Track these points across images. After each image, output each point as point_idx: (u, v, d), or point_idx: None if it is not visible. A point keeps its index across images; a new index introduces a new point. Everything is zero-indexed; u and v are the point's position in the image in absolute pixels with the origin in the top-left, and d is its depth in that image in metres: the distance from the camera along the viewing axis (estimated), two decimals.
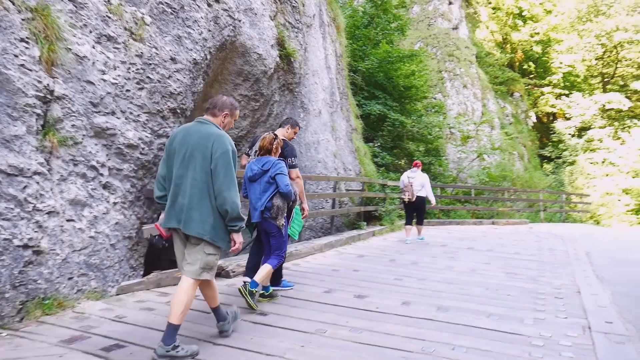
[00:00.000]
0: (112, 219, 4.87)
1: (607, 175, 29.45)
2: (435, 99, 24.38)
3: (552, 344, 4.08)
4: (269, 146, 4.83)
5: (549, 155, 33.72)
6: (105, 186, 4.80)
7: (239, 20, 7.01)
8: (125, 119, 5.00)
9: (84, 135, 4.57)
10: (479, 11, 37.77)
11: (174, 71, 5.61)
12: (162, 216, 3.68)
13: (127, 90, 5.01)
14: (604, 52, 34.47)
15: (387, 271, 7.01)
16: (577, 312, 5.22)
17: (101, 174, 4.76)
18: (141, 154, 5.21)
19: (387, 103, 17.53)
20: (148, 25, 5.31)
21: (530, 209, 21.54)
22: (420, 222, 10.60)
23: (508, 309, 5.19)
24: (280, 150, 5.00)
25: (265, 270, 4.78)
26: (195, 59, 5.95)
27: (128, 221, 5.09)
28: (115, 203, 4.92)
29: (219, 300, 3.84)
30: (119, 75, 4.90)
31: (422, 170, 10.76)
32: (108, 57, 4.81)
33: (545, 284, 6.62)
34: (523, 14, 37.23)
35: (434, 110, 21.86)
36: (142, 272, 5.41)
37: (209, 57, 6.30)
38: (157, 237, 3.69)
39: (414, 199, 10.06)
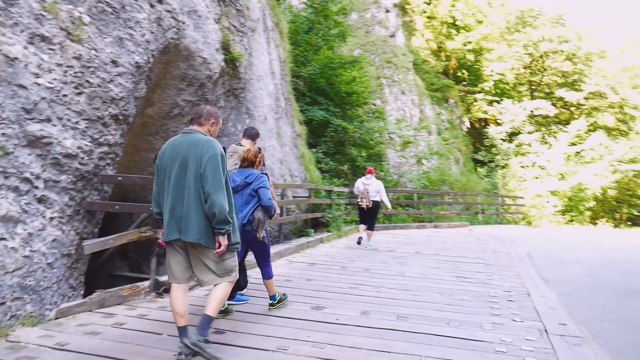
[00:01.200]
0: (48, 235, 4.45)
1: (536, 178, 30.92)
2: (375, 105, 24.62)
3: (514, 350, 4.10)
4: (252, 159, 4.86)
5: (482, 159, 34.89)
6: (40, 200, 4.39)
7: (183, 23, 6.70)
8: (63, 126, 4.60)
9: (15, 144, 4.16)
10: (415, 20, 38.68)
11: (116, 75, 5.25)
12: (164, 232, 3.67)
13: (64, 95, 4.61)
14: (531, 61, 36.27)
15: (340, 279, 6.89)
16: (531, 314, 5.31)
17: (36, 187, 4.34)
18: (80, 164, 4.82)
19: (329, 109, 17.49)
20: (86, 25, 4.93)
21: (468, 211, 22.19)
22: (371, 228, 10.63)
23: (465, 314, 5.20)
24: (262, 163, 5.00)
25: (270, 283, 5.07)
26: (137, 62, 5.60)
27: (66, 237, 4.68)
28: (52, 218, 4.50)
29: (188, 319, 3.60)
30: (54, 79, 4.51)
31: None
32: (42, 59, 4.40)
33: (496, 287, 6.73)
34: (456, 23, 38.44)
35: (375, 116, 22.07)
36: (82, 292, 5.00)
37: (152, 60, 5.96)
38: (163, 251, 3.73)
39: (371, 205, 10.19)
